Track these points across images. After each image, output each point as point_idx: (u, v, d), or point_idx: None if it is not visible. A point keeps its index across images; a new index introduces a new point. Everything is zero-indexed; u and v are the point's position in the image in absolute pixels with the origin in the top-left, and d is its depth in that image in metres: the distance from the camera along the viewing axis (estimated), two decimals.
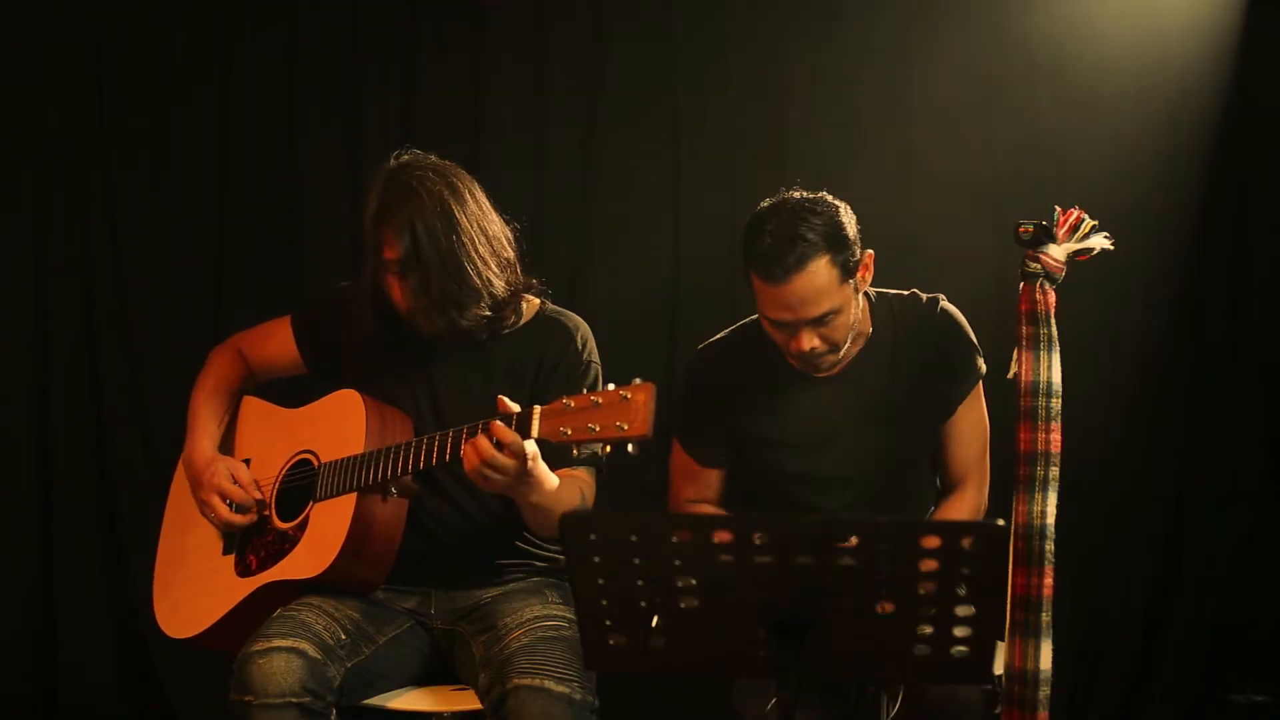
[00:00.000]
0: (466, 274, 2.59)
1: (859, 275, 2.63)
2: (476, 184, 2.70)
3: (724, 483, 2.84)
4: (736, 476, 2.85)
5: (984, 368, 2.77)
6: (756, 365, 2.75)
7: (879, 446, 2.75)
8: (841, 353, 2.65)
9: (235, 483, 2.78)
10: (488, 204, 2.69)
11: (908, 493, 2.81)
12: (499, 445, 2.35)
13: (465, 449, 2.38)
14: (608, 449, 2.28)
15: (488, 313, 2.64)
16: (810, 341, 2.58)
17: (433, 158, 2.70)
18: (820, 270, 2.54)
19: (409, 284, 2.61)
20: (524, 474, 2.39)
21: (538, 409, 2.32)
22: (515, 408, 2.36)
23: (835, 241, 2.56)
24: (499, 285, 2.64)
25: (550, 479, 2.48)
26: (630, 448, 2.23)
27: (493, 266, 2.63)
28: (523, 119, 3.67)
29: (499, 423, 2.36)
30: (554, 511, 2.50)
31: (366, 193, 2.66)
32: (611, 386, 2.25)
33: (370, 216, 2.63)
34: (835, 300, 2.56)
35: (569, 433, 2.27)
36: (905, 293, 2.80)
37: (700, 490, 2.84)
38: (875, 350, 2.75)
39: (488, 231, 2.65)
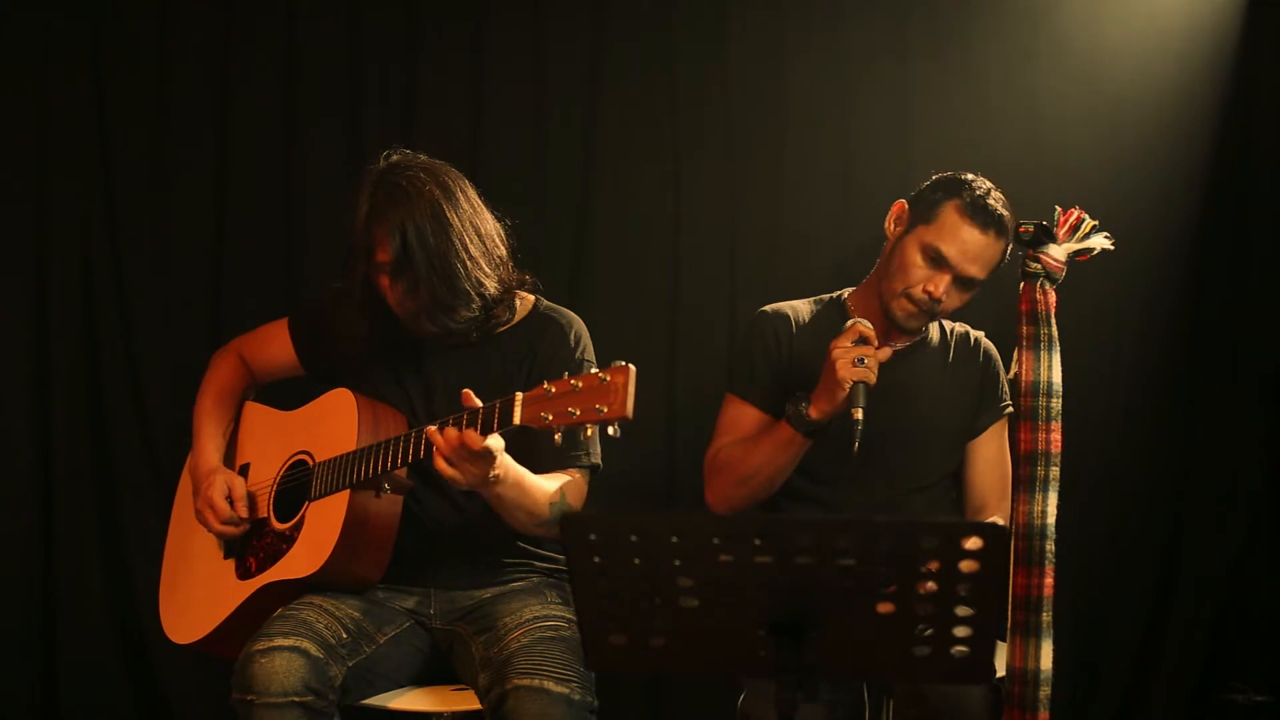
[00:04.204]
0: (458, 276, 2.58)
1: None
2: (467, 181, 2.69)
3: None
4: None
5: (1010, 407, 2.84)
6: (818, 330, 2.87)
7: (912, 430, 2.83)
8: (927, 324, 2.84)
9: (229, 498, 2.78)
10: (479, 201, 2.68)
11: (924, 488, 2.85)
12: (462, 447, 2.37)
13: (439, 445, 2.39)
14: (590, 432, 2.28)
15: (479, 314, 2.64)
16: (943, 288, 2.72)
17: (422, 157, 2.69)
18: (1000, 250, 2.76)
19: (400, 286, 2.60)
20: (491, 468, 2.39)
21: (519, 395, 2.32)
22: (478, 402, 2.37)
23: (1011, 241, 2.76)
24: (491, 285, 2.64)
25: (516, 471, 2.48)
26: (611, 430, 2.23)
27: (484, 266, 2.62)
28: (523, 118, 3.67)
29: (451, 429, 2.37)
30: (522, 504, 2.51)
31: (355, 194, 2.65)
32: (593, 370, 2.25)
33: (361, 218, 2.61)
34: (983, 279, 2.76)
35: (550, 418, 2.26)
36: (958, 326, 2.98)
37: (745, 436, 2.87)
38: (928, 351, 2.91)
39: (480, 230, 2.64)
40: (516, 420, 2.32)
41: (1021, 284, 2.48)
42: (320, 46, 3.70)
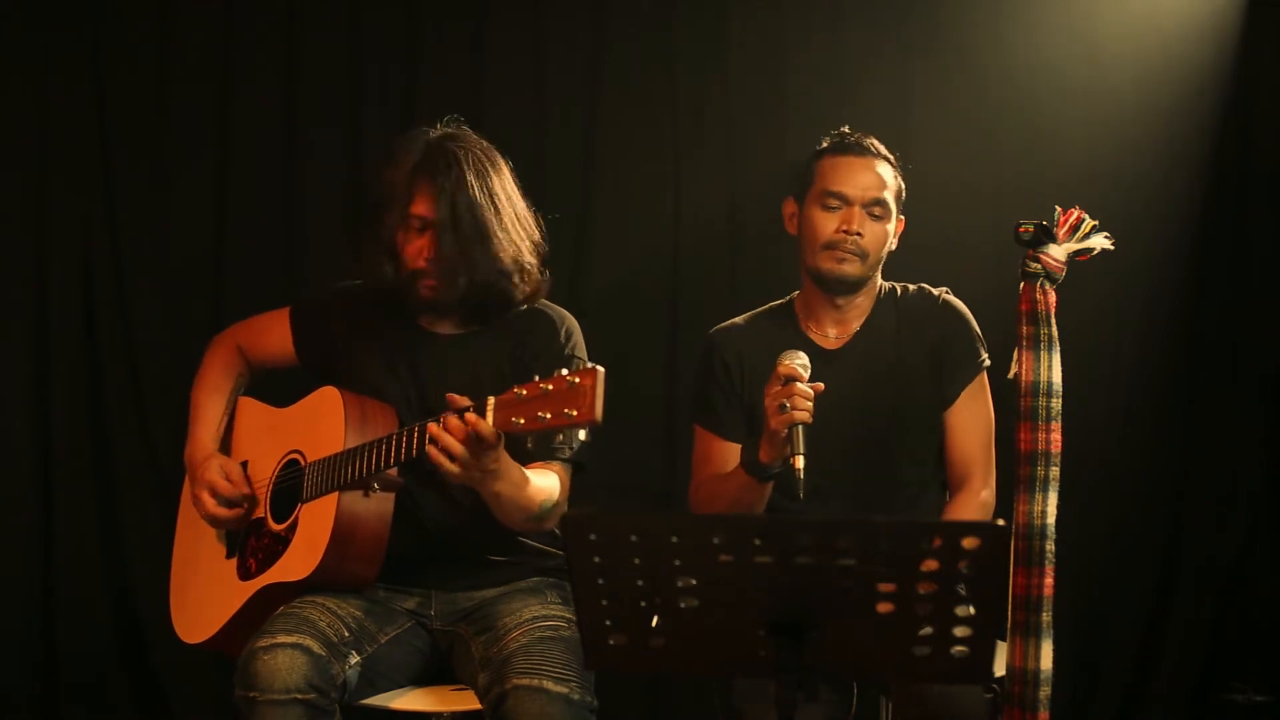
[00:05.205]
0: (495, 240, 2.63)
1: (897, 223, 2.85)
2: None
3: None
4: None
5: (987, 360, 2.83)
6: (768, 341, 2.82)
7: (878, 428, 2.78)
8: (863, 272, 2.80)
9: (227, 479, 2.78)
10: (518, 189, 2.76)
11: (902, 484, 2.82)
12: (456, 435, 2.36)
13: (438, 438, 2.38)
14: (562, 436, 2.26)
15: (517, 283, 2.67)
16: (860, 222, 2.76)
17: (475, 136, 2.75)
18: (889, 172, 2.83)
19: (434, 240, 2.62)
20: (489, 462, 2.38)
21: (491, 400, 2.31)
22: (466, 402, 2.36)
23: (898, 171, 2.86)
24: (529, 261, 2.69)
25: (513, 468, 2.47)
26: (582, 435, 2.21)
27: (519, 242, 2.68)
28: (523, 119, 3.67)
29: (452, 416, 2.35)
30: (516, 501, 2.50)
31: (401, 148, 2.68)
32: (564, 372, 2.23)
33: (405, 171, 2.65)
34: (890, 202, 2.81)
35: (521, 422, 2.25)
36: (913, 286, 2.91)
37: (718, 469, 2.83)
38: (877, 333, 2.85)
39: (519, 211, 2.71)
40: (489, 424, 2.31)
41: (1021, 284, 2.47)
42: (320, 46, 3.70)
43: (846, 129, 2.89)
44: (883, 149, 2.86)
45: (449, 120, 2.75)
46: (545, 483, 2.58)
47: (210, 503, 2.77)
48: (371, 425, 2.64)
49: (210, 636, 2.78)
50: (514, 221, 2.69)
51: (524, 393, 2.26)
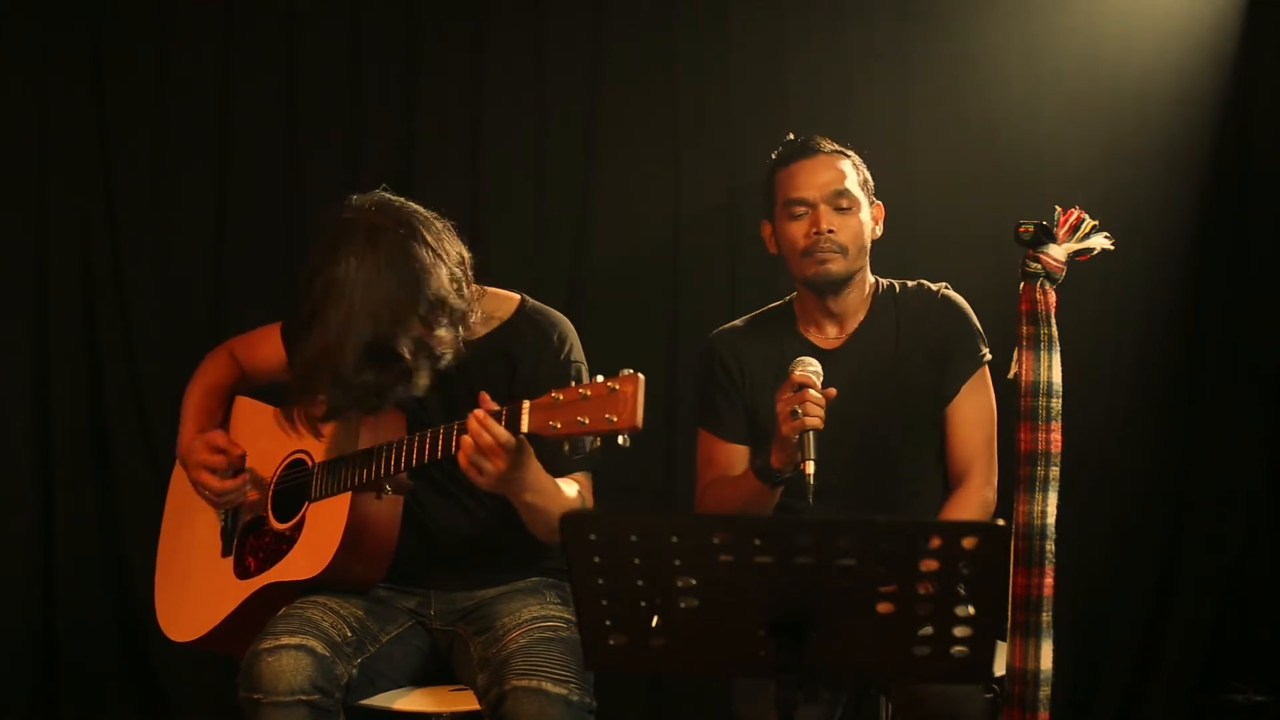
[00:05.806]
0: (400, 353, 2.46)
1: (872, 209, 2.85)
2: (421, 225, 2.51)
3: (746, 463, 2.84)
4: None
5: (988, 355, 2.82)
6: (767, 343, 2.85)
7: (879, 426, 2.77)
8: (848, 267, 2.78)
9: (217, 450, 2.75)
10: (431, 242, 2.51)
11: (903, 481, 2.81)
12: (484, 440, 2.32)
13: (463, 441, 2.36)
14: (598, 442, 2.26)
15: (433, 360, 2.50)
16: (830, 220, 2.76)
17: (379, 207, 2.52)
18: (844, 163, 2.83)
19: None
20: (515, 467, 2.35)
21: (526, 403, 2.30)
22: (495, 405, 2.34)
23: (854, 159, 2.86)
24: (443, 333, 2.50)
25: (544, 478, 2.47)
26: (621, 440, 2.21)
27: (441, 314, 2.49)
28: (523, 118, 3.67)
29: (483, 414, 2.32)
30: (549, 512, 2.48)
31: (319, 238, 2.53)
32: (600, 378, 2.23)
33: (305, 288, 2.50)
34: (855, 192, 2.80)
35: (558, 426, 2.25)
36: (911, 282, 2.91)
37: (723, 472, 2.83)
38: (876, 330, 2.85)
39: (425, 299, 2.48)
40: (524, 428, 2.30)
41: (1021, 284, 2.47)
42: (320, 46, 3.70)
43: (792, 135, 2.89)
44: (833, 144, 2.85)
45: (359, 200, 2.53)
46: (572, 493, 2.57)
47: (212, 481, 2.75)
48: (383, 429, 2.63)
49: (202, 635, 2.77)
50: (429, 310, 2.46)
51: (560, 397, 2.25)
